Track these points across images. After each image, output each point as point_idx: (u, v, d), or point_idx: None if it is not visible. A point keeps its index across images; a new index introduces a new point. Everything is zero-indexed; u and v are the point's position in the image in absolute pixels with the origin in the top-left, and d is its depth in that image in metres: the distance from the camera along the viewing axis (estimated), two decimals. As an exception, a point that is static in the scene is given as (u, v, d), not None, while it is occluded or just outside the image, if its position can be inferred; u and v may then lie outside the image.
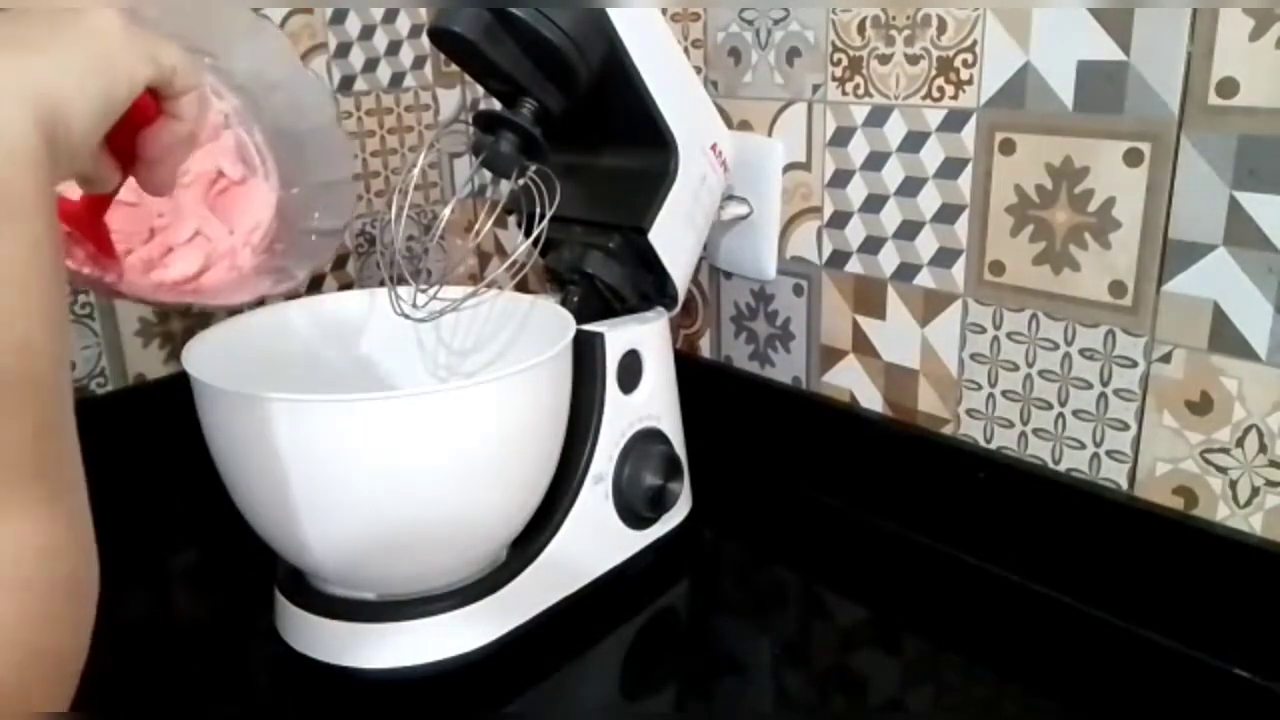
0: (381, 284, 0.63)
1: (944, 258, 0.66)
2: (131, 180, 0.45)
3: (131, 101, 0.38)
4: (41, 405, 0.31)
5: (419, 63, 0.95)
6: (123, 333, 0.81)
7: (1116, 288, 0.58)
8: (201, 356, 0.54)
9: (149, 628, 0.64)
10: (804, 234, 0.74)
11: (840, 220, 0.72)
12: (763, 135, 0.75)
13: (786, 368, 0.79)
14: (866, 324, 0.72)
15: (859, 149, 0.69)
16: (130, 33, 0.38)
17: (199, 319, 0.85)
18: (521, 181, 0.58)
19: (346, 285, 0.95)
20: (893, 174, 0.67)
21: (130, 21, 0.38)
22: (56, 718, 0.28)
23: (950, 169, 0.64)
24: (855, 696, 0.56)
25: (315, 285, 0.92)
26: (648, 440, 0.66)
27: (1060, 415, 0.62)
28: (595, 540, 0.64)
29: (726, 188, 0.72)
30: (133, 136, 0.42)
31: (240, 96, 0.59)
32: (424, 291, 0.59)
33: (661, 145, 0.63)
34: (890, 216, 0.68)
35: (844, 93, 0.69)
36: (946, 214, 0.65)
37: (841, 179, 0.71)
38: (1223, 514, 0.56)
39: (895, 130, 0.66)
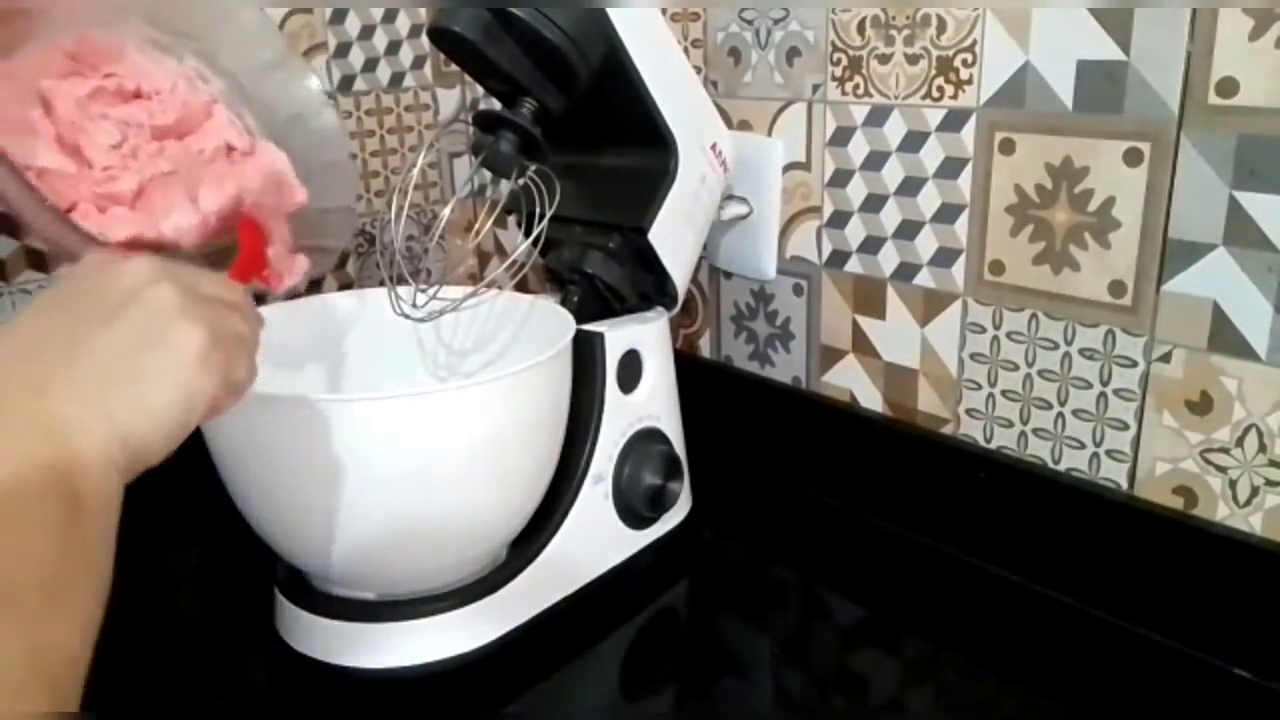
0: (381, 284, 0.63)
1: (944, 257, 0.66)
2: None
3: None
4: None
5: (419, 63, 0.95)
6: (122, 333, 0.81)
7: (1116, 287, 0.58)
8: (201, 356, 0.54)
9: (149, 628, 0.64)
10: (804, 234, 0.74)
11: (840, 220, 0.72)
12: (762, 135, 0.75)
13: (786, 367, 0.79)
14: (866, 324, 0.72)
15: (859, 149, 0.69)
16: (208, 359, 0.37)
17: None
18: (521, 181, 0.58)
19: (346, 285, 0.95)
20: (892, 174, 0.67)
21: (213, 341, 0.37)
22: (59, 718, 0.28)
23: (950, 169, 0.64)
24: (855, 696, 0.56)
25: (315, 285, 0.92)
26: (647, 440, 0.66)
27: (1060, 415, 0.62)
28: (595, 540, 0.64)
29: (726, 188, 0.72)
30: None
31: (225, 80, 0.59)
32: (424, 291, 0.59)
33: (661, 145, 0.63)
34: (890, 216, 0.68)
35: (844, 92, 0.69)
36: (946, 214, 0.65)
37: (841, 179, 0.71)
38: (1222, 514, 0.56)
39: (895, 130, 0.66)
